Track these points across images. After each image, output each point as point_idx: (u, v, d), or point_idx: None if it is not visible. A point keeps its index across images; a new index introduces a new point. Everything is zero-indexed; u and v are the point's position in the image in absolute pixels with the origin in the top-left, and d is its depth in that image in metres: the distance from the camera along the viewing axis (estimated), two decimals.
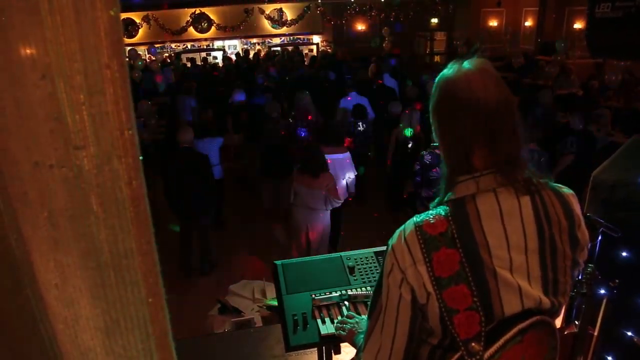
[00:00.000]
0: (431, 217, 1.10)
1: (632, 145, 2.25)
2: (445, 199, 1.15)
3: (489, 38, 14.72)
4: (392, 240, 1.15)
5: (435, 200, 1.19)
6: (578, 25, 14.14)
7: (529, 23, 16.29)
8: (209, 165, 5.37)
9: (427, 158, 4.64)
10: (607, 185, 2.20)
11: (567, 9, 14.64)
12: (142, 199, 0.72)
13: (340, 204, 4.75)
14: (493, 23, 16.93)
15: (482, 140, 1.10)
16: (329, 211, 4.80)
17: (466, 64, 1.12)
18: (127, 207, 0.71)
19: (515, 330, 1.04)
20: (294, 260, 2.10)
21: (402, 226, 1.15)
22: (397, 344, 1.15)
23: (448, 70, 1.14)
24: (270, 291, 3.53)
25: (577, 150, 5.37)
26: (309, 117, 7.06)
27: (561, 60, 10.57)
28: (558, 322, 2.06)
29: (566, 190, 1.21)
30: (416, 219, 1.12)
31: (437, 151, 4.52)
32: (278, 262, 2.04)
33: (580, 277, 1.77)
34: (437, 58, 17.61)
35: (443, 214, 1.10)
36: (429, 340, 1.15)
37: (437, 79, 1.16)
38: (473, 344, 1.03)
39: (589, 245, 1.21)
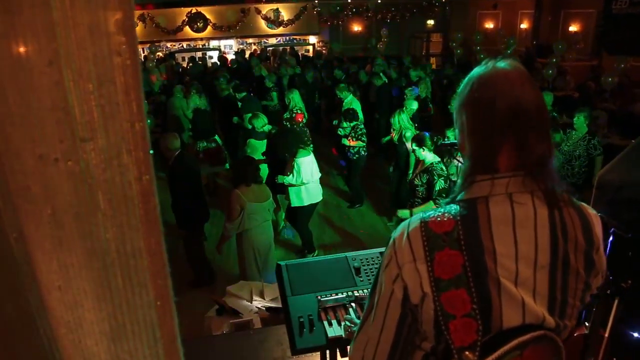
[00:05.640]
0: (439, 214, 1.06)
1: (638, 146, 2.22)
2: (458, 197, 1.10)
3: (484, 40, 14.73)
4: (395, 233, 1.11)
5: (448, 198, 1.14)
6: (573, 27, 14.21)
7: (524, 25, 16.35)
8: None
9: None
10: (613, 186, 2.18)
11: (563, 12, 14.71)
12: (152, 195, 0.68)
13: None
14: (489, 25, 16.97)
15: (514, 139, 1.05)
16: None
17: (502, 63, 1.08)
18: (136, 204, 0.67)
19: (514, 343, 0.98)
20: (298, 260, 2.06)
21: (408, 220, 1.10)
22: (383, 341, 1.12)
23: (482, 68, 1.10)
24: (269, 292, 3.49)
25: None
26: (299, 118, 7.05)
27: (557, 62, 10.59)
28: None
29: (591, 210, 1.15)
30: (423, 214, 1.08)
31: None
32: (282, 263, 1.99)
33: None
34: (432, 60, 17.63)
35: (452, 212, 1.05)
36: (422, 345, 1.11)
37: (470, 75, 1.12)
38: (467, 352, 0.98)
39: (605, 272, 1.16)
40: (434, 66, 14.88)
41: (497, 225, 1.03)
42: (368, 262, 2.07)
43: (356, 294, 1.89)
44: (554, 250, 1.05)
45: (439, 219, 1.04)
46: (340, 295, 1.89)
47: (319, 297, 1.87)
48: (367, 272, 2.02)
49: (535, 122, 1.04)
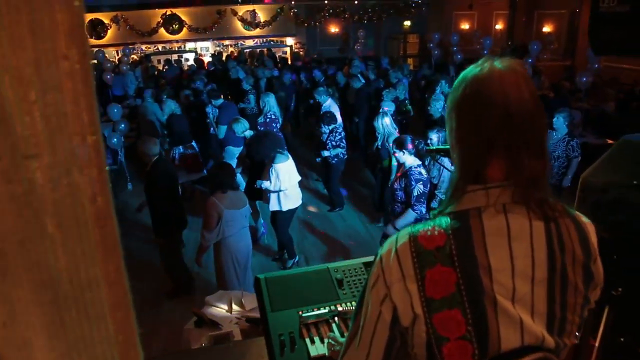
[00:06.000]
0: (429, 228, 0.98)
1: (622, 147, 2.20)
2: (447, 209, 1.03)
3: (461, 40, 14.87)
4: (382, 250, 1.03)
5: (436, 210, 1.07)
6: (547, 28, 14.45)
7: (499, 26, 16.57)
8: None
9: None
10: (597, 188, 2.15)
11: (537, 12, 14.96)
12: (110, 218, 0.60)
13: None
14: (465, 26, 17.14)
15: (506, 148, 0.97)
16: None
17: (498, 63, 0.99)
18: (90, 229, 0.59)
19: None
20: (277, 273, 1.96)
21: (395, 235, 1.03)
22: None
23: (477, 68, 1.01)
24: (248, 301, 3.40)
25: None
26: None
27: (532, 63, 10.75)
28: None
29: (585, 219, 1.09)
30: (412, 228, 1.00)
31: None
32: (261, 276, 1.89)
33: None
34: (410, 61, 17.70)
35: (443, 226, 0.97)
36: None
37: (463, 75, 1.03)
38: None
39: (603, 284, 1.09)
40: (411, 67, 14.94)
41: (492, 238, 0.96)
42: (351, 273, 1.98)
43: (339, 308, 1.81)
44: (552, 264, 0.99)
45: (429, 233, 0.97)
46: (322, 310, 1.80)
47: (301, 312, 1.78)
48: (350, 284, 1.94)
49: (529, 128, 0.97)
